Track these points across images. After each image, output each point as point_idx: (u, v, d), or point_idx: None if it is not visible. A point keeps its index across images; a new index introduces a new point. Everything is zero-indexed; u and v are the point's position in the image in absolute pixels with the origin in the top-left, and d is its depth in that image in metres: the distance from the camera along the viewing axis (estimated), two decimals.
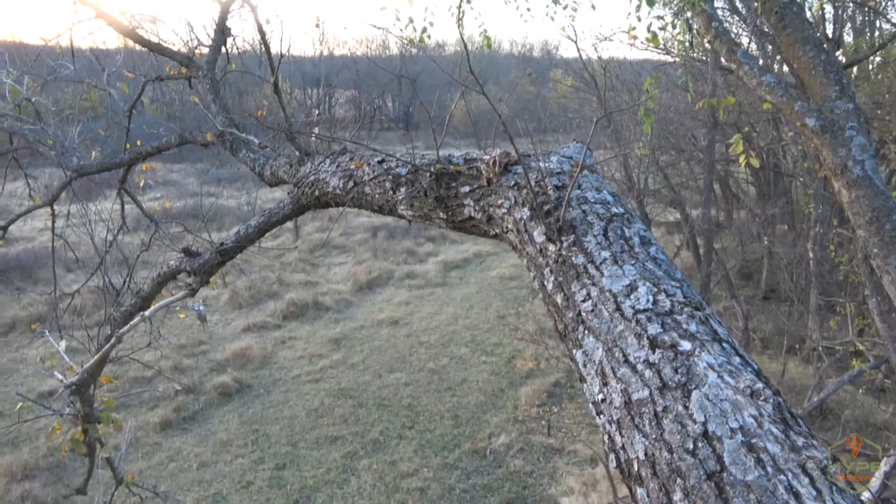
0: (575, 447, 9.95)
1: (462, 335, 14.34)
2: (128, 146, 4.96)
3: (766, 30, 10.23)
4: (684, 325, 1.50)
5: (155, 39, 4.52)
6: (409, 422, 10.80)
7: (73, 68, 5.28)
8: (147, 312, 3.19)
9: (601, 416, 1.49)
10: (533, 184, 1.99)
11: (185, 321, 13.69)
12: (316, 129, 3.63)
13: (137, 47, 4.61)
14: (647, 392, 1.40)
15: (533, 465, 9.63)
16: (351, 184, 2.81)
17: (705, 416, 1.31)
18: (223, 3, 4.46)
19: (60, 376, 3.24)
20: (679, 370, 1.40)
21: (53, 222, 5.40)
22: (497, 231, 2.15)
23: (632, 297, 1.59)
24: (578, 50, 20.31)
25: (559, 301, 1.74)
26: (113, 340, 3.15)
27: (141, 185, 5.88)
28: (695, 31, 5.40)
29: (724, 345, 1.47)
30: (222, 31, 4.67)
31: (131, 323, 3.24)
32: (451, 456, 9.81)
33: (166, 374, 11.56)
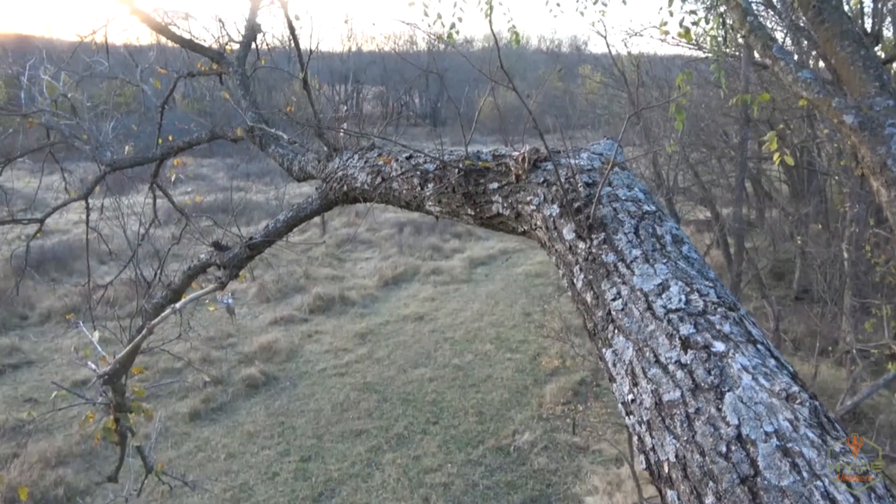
0: (600, 446, 9.87)
1: (487, 332, 14.32)
2: (160, 141, 5.04)
3: (803, 24, 9.99)
4: (718, 326, 1.47)
5: (187, 36, 4.58)
6: (434, 417, 10.82)
7: (107, 65, 5.38)
8: (178, 305, 3.24)
9: (631, 417, 1.47)
10: (563, 180, 1.97)
11: (214, 314, 13.91)
12: (344, 125, 3.65)
13: (170, 44, 4.67)
14: (678, 393, 1.38)
15: (557, 463, 9.59)
16: (379, 179, 2.81)
17: (739, 419, 1.28)
18: None
19: (93, 366, 3.30)
20: (712, 372, 1.37)
21: (88, 215, 5.51)
22: (525, 228, 2.13)
23: (663, 296, 1.57)
24: (608, 45, 20.12)
25: (588, 299, 1.72)
26: (144, 332, 3.21)
27: (172, 179, 5.97)
28: (728, 26, 5.30)
29: (759, 346, 1.44)
30: (252, 28, 4.71)
31: (162, 315, 3.29)
32: (475, 452, 9.81)
33: (195, 365, 11.75)
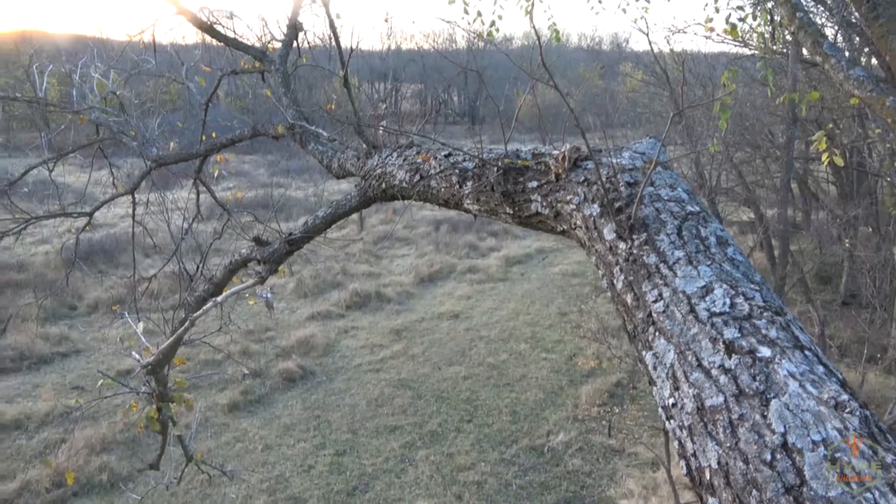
0: (636, 449, 9.74)
1: (522, 331, 14.25)
2: (203, 138, 5.14)
3: (855, 20, 9.66)
4: (763, 331, 1.43)
5: (231, 35, 4.66)
6: (468, 415, 10.82)
7: (154, 63, 5.51)
8: (219, 298, 3.30)
9: (671, 421, 1.44)
10: (604, 180, 1.94)
11: (254, 308, 14.15)
12: (383, 123, 3.67)
13: (214, 42, 4.76)
14: (721, 398, 1.35)
15: (592, 465, 9.49)
16: (417, 177, 2.82)
17: (785, 427, 1.25)
18: None
19: (137, 356, 3.39)
20: (757, 377, 1.34)
21: (134, 210, 5.65)
22: (565, 227, 2.11)
23: (707, 299, 1.53)
24: (650, 43, 19.78)
25: (629, 301, 1.70)
26: (187, 324, 3.28)
27: (215, 175, 6.09)
28: (777, 23, 5.16)
29: (807, 353, 1.40)
30: (294, 27, 4.77)
31: (204, 308, 3.36)
32: (509, 451, 9.78)
33: (235, 358, 11.98)
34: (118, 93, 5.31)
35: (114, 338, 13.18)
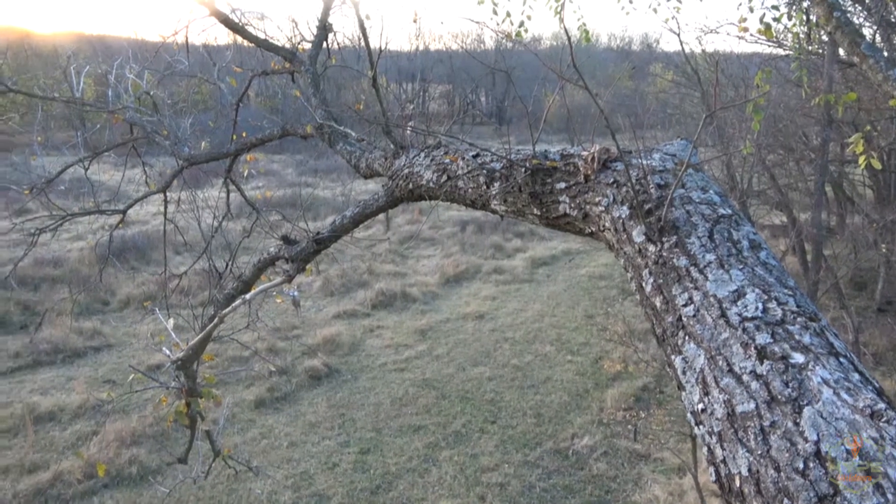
0: (662, 455, 9.62)
1: (548, 333, 14.18)
2: (234, 137, 5.21)
3: (894, 20, 9.42)
4: (797, 336, 1.40)
5: (262, 36, 4.72)
6: (492, 416, 10.80)
7: (187, 64, 5.60)
8: (247, 296, 3.35)
9: (700, 427, 1.42)
10: (634, 181, 1.92)
11: (281, 306, 14.31)
12: (411, 123, 3.68)
13: (245, 43, 4.83)
14: (752, 405, 1.32)
15: (617, 469, 9.40)
16: (445, 177, 2.82)
17: (818, 435, 1.22)
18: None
19: (168, 352, 3.45)
20: (790, 384, 1.31)
21: (165, 208, 5.76)
22: (593, 229, 2.09)
23: (739, 303, 1.50)
24: (681, 43, 19.51)
25: (658, 304, 1.67)
26: (216, 321, 3.33)
27: (245, 174, 6.17)
28: (813, 22, 5.05)
29: (842, 360, 1.36)
30: (324, 27, 4.81)
31: (233, 305, 3.41)
32: (533, 454, 9.73)
33: (262, 355, 12.12)
34: (152, 93, 5.42)
35: (145, 333, 13.44)
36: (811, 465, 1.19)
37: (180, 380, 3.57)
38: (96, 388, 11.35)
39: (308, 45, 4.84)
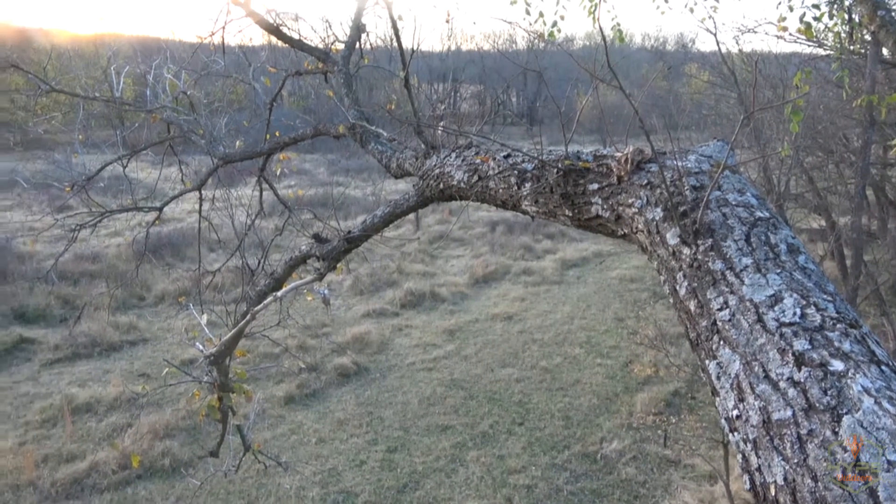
0: (693, 461, 9.46)
1: (577, 335, 14.07)
2: (268, 137, 5.28)
3: None
4: (836, 343, 1.36)
5: (296, 36, 4.76)
6: (519, 418, 10.75)
7: (223, 64, 5.69)
8: (279, 293, 3.38)
9: (735, 434, 1.39)
10: (668, 183, 1.89)
11: (311, 303, 14.46)
12: (442, 124, 3.68)
13: (280, 44, 4.88)
14: (789, 412, 1.29)
15: (646, 475, 9.28)
16: (476, 178, 2.81)
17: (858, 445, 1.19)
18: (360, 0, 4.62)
19: (201, 347, 3.51)
20: (829, 392, 1.27)
21: (200, 205, 5.86)
22: (626, 231, 2.07)
23: (776, 308, 1.47)
24: (718, 43, 19.19)
25: (692, 308, 1.65)
26: (248, 317, 3.37)
27: (277, 173, 6.25)
28: (855, 21, 4.92)
29: (884, 368, 1.32)
30: (358, 28, 4.84)
31: (265, 302, 3.45)
32: (560, 457, 9.66)
33: (292, 352, 12.27)
34: (189, 93, 5.52)
35: (179, 328, 13.71)
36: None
37: (213, 375, 3.62)
38: (131, 381, 11.62)
39: (341, 46, 4.88)
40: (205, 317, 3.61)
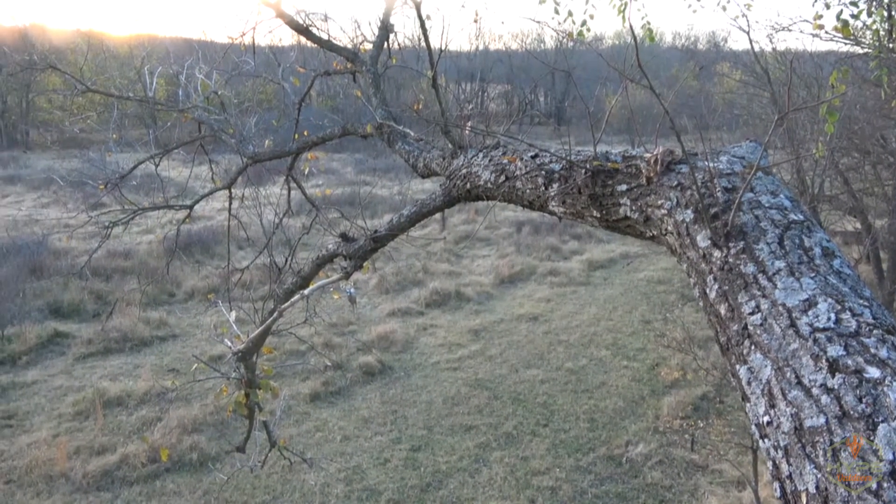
0: (720, 466, 9.31)
1: (603, 337, 13.95)
2: (296, 136, 5.32)
3: None
4: (872, 350, 1.33)
5: (325, 37, 4.80)
6: (544, 419, 10.70)
7: (253, 64, 5.75)
8: (306, 291, 3.41)
9: (765, 440, 1.36)
10: (699, 184, 1.86)
11: (337, 302, 14.52)
12: (470, 123, 3.67)
13: (308, 44, 4.92)
14: (822, 419, 1.26)
15: (672, 479, 9.16)
16: (503, 178, 2.81)
17: (894, 454, 1.15)
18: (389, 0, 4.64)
19: (229, 343, 3.55)
20: (864, 399, 1.24)
21: (230, 204, 5.93)
22: (654, 233, 2.04)
23: (810, 313, 1.44)
24: (751, 42, 18.83)
25: (722, 311, 1.62)
26: (275, 315, 3.41)
27: (305, 172, 6.30)
28: (895, 19, 4.79)
29: None
30: (386, 28, 4.86)
31: (292, 300, 3.48)
32: (585, 459, 9.59)
33: (318, 349, 12.37)
34: (220, 92, 5.59)
35: (208, 325, 13.91)
36: (885, 485, 1.13)
37: (240, 371, 3.66)
38: (161, 376, 11.82)
39: (369, 46, 4.90)
40: (233, 314, 3.65)
